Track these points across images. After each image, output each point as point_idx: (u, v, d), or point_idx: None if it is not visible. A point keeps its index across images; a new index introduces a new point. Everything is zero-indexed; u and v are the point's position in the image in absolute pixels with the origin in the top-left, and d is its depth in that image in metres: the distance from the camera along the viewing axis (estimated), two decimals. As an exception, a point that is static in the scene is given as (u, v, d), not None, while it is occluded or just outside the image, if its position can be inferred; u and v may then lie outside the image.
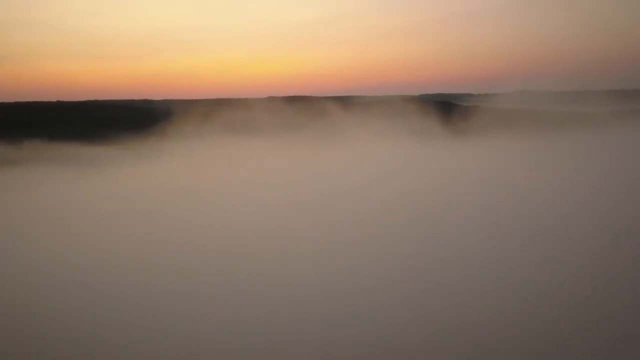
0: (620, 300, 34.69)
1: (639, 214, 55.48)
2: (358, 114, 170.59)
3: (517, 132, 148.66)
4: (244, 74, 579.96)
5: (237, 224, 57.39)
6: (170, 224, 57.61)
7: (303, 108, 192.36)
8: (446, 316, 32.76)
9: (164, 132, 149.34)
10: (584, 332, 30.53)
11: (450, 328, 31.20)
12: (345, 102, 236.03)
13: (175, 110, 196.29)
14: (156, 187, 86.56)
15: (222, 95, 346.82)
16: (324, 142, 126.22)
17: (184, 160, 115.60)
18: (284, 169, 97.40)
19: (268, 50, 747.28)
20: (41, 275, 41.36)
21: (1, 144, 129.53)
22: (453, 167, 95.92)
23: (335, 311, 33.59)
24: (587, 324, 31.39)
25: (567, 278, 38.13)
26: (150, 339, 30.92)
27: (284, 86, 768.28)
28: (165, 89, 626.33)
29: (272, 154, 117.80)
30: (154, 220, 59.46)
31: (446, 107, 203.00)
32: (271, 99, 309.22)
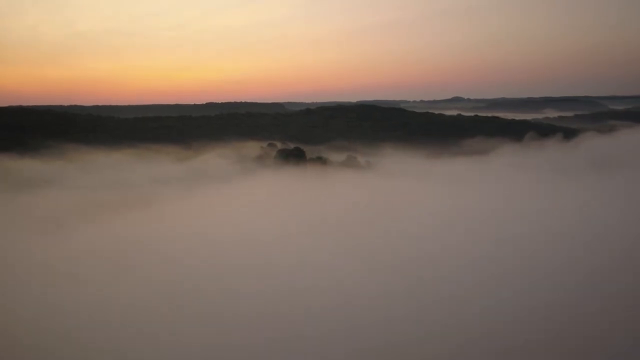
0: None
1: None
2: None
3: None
4: (178, 79, 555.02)
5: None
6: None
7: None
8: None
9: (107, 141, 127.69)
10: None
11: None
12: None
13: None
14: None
15: (158, 102, 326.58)
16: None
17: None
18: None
19: (197, 56, 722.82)
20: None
21: None
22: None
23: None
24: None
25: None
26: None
27: (220, 92, 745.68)
28: (96, 94, 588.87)
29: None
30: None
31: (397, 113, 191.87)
32: (210, 105, 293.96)
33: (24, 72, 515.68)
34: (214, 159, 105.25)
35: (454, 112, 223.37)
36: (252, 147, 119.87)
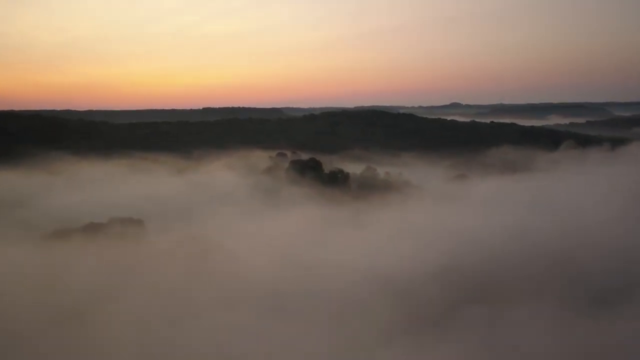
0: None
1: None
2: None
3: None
4: (173, 84, 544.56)
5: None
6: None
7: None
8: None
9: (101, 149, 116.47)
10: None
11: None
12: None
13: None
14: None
15: (154, 107, 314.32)
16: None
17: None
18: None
19: (191, 60, 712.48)
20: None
21: None
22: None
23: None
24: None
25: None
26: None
27: (217, 97, 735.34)
28: (89, 99, 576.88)
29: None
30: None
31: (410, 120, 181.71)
32: (208, 110, 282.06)
33: (17, 77, 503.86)
34: (219, 172, 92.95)
35: (467, 119, 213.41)
36: (260, 157, 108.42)
